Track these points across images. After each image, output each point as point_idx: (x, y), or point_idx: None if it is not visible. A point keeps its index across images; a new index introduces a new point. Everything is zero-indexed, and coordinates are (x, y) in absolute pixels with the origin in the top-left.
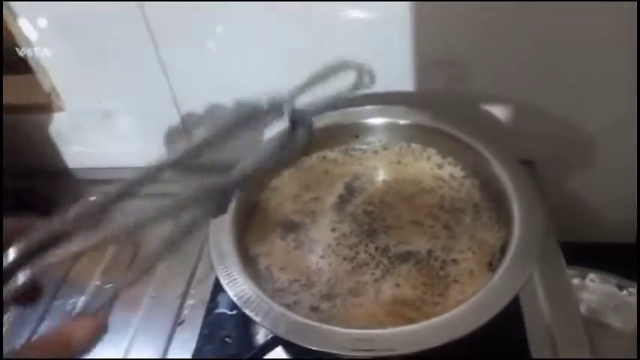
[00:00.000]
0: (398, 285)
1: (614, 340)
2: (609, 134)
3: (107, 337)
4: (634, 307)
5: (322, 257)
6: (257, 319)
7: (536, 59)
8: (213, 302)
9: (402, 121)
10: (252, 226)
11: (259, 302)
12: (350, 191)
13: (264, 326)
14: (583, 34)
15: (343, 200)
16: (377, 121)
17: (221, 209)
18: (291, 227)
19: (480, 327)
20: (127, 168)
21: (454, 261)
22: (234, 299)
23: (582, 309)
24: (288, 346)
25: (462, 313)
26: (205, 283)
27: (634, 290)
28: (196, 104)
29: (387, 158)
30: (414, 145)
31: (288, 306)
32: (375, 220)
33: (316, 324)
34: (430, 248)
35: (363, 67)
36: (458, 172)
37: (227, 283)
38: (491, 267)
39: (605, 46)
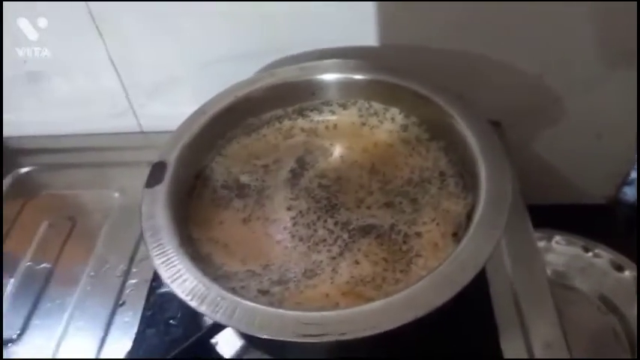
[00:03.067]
0: (357, 262)
1: (579, 302)
2: (576, 95)
3: (41, 322)
4: (599, 269)
5: (278, 242)
6: (192, 303)
7: (506, 18)
8: (156, 281)
9: (360, 77)
10: (195, 199)
11: (197, 284)
12: (302, 165)
13: (201, 311)
14: None
15: (296, 175)
16: (333, 76)
17: (156, 177)
18: (241, 195)
19: (442, 305)
20: (64, 136)
21: (417, 234)
22: (167, 281)
23: (548, 271)
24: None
25: (421, 289)
26: (148, 260)
27: (600, 252)
28: (138, 67)
29: (348, 119)
30: (374, 104)
31: (232, 289)
32: (334, 195)
33: (260, 307)
34: (394, 222)
35: None
36: (423, 134)
37: (161, 263)
38: (457, 237)
39: (574, 8)
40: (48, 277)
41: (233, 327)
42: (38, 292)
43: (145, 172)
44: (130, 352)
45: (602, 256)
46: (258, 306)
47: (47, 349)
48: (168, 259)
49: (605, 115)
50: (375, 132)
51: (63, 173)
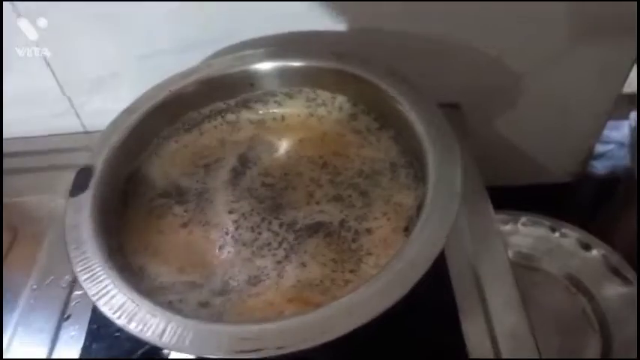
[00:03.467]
0: (303, 265)
1: (547, 284)
2: (537, 74)
3: None
4: (566, 249)
5: (220, 248)
6: (120, 322)
7: None
8: None
9: (300, 64)
10: (129, 207)
11: (125, 301)
12: (244, 163)
13: (130, 331)
14: None
15: (237, 174)
16: (270, 65)
17: (80, 185)
18: (181, 202)
19: (391, 306)
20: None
21: (368, 230)
22: (93, 299)
23: (514, 254)
24: None
25: (367, 293)
26: None
27: (567, 231)
28: (75, 63)
29: (295, 110)
30: (320, 93)
31: (169, 303)
32: (279, 194)
33: (193, 322)
34: (343, 218)
35: None
36: (372, 123)
37: (86, 279)
38: (408, 232)
39: None
40: None
41: (163, 347)
42: None
43: None
44: None
45: (569, 236)
46: (190, 321)
47: None
48: (94, 274)
49: (568, 91)
50: (324, 122)
51: (4, 180)
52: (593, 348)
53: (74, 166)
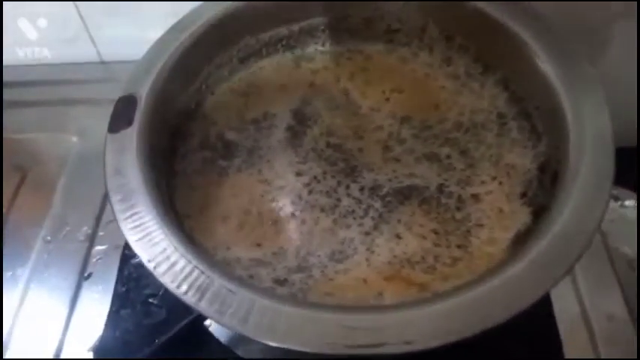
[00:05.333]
0: (398, 237)
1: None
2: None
3: None
4: (630, 220)
5: (292, 214)
6: (189, 299)
7: None
8: (130, 249)
9: None
10: (176, 154)
11: (192, 270)
12: (301, 120)
13: (201, 310)
14: None
15: (295, 133)
16: None
17: (122, 118)
18: (231, 156)
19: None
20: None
21: (474, 197)
22: (149, 265)
23: None
24: None
25: (511, 277)
26: None
27: (629, 202)
28: None
29: (371, 49)
30: (405, 20)
31: (239, 279)
32: (352, 155)
33: (285, 307)
34: (441, 183)
35: None
36: (473, 65)
37: (137, 241)
38: (527, 198)
39: None
40: None
41: (250, 336)
42: None
43: (108, 113)
44: (101, 338)
45: (632, 206)
46: (282, 306)
47: None
48: (148, 235)
49: None
50: (408, 64)
51: (7, 113)
52: None
53: (88, 100)
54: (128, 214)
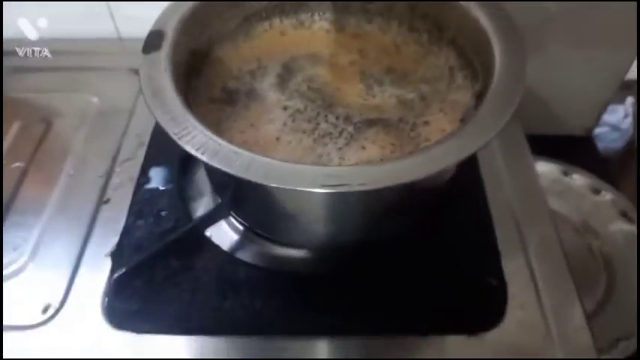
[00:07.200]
0: (364, 148)
1: (558, 224)
2: (568, 18)
3: (16, 218)
4: (577, 192)
5: (277, 139)
6: (204, 157)
7: None
8: (144, 177)
9: None
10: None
11: (207, 140)
12: (289, 70)
13: (214, 165)
14: None
15: (283, 79)
16: None
17: (153, 45)
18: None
19: (460, 160)
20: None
21: (425, 123)
22: (174, 137)
23: None
24: (236, 212)
25: (438, 150)
26: (133, 160)
27: (577, 177)
28: None
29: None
30: None
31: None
32: (331, 94)
33: (276, 162)
34: (402, 116)
35: None
36: (431, 28)
37: (166, 121)
38: (464, 122)
39: None
40: (21, 177)
41: (250, 179)
42: (11, 192)
43: (124, 79)
44: (117, 244)
45: (580, 180)
46: (273, 161)
47: (25, 247)
48: (174, 117)
49: (593, 40)
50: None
51: (33, 76)
52: (599, 283)
53: (107, 68)
54: (158, 102)
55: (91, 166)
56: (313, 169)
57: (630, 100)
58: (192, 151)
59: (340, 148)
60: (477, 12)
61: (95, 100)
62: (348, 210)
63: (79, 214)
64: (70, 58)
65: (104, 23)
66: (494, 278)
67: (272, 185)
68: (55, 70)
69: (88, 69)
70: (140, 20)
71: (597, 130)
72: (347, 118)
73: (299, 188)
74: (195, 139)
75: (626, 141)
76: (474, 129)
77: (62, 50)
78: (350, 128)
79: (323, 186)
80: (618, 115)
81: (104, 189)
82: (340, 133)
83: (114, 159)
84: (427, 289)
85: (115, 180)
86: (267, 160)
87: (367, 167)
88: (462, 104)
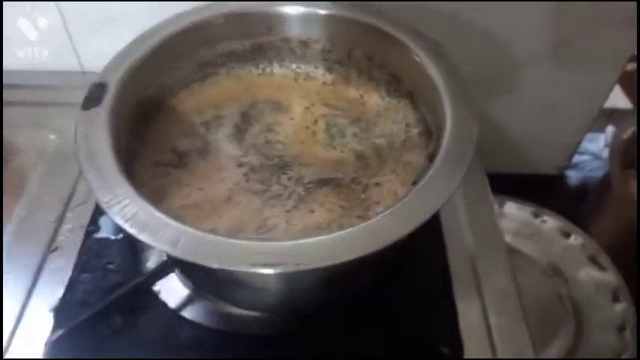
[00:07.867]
0: (312, 211)
1: (526, 267)
2: (537, 65)
3: None
4: (548, 235)
5: (229, 198)
6: (132, 230)
7: None
8: (93, 225)
9: (322, 12)
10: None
11: (138, 211)
12: (247, 119)
13: (151, 243)
14: None
15: (240, 130)
16: (293, 10)
17: (93, 99)
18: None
19: (401, 238)
20: None
21: (377, 184)
22: (104, 206)
23: None
24: (182, 271)
25: (381, 223)
26: (86, 205)
27: (548, 218)
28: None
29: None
30: (337, 43)
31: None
32: (288, 149)
33: (209, 235)
34: (355, 176)
35: None
36: (389, 80)
37: (97, 187)
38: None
39: None
40: None
41: (177, 256)
42: None
43: None
44: (61, 299)
45: (550, 223)
46: (206, 234)
47: None
48: (107, 183)
49: (562, 84)
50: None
51: None
52: (567, 330)
53: (68, 104)
54: (92, 165)
55: (43, 209)
56: (246, 245)
57: (610, 129)
58: (121, 223)
59: (288, 211)
60: (431, 69)
61: (53, 137)
62: (294, 278)
63: (27, 262)
64: (28, 92)
65: (67, 59)
66: (449, 344)
67: (198, 263)
68: (16, 104)
69: (49, 104)
70: (106, 55)
71: (577, 159)
72: (299, 179)
73: (226, 268)
74: (126, 208)
75: (607, 170)
76: (421, 198)
77: (18, 84)
78: (300, 189)
79: (253, 265)
80: (599, 143)
81: (54, 236)
82: (290, 195)
83: (66, 203)
84: (384, 353)
85: (66, 226)
86: (198, 233)
87: (305, 243)
88: (415, 166)
